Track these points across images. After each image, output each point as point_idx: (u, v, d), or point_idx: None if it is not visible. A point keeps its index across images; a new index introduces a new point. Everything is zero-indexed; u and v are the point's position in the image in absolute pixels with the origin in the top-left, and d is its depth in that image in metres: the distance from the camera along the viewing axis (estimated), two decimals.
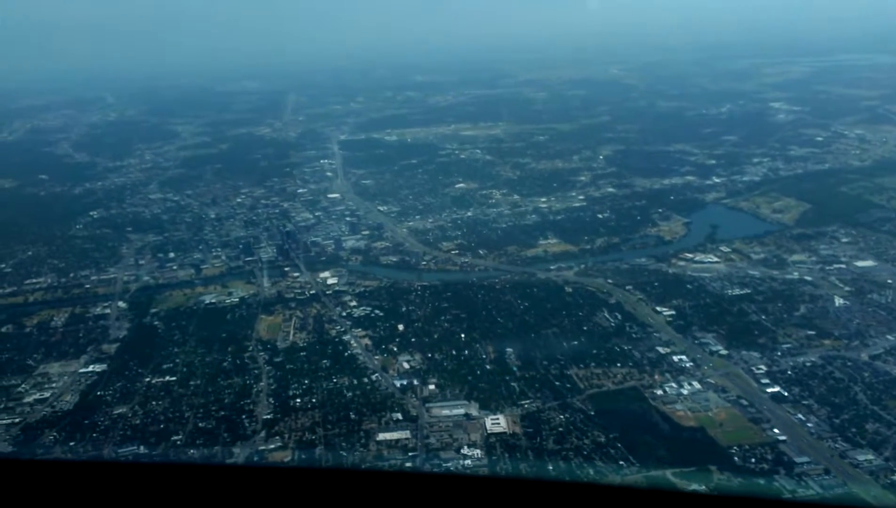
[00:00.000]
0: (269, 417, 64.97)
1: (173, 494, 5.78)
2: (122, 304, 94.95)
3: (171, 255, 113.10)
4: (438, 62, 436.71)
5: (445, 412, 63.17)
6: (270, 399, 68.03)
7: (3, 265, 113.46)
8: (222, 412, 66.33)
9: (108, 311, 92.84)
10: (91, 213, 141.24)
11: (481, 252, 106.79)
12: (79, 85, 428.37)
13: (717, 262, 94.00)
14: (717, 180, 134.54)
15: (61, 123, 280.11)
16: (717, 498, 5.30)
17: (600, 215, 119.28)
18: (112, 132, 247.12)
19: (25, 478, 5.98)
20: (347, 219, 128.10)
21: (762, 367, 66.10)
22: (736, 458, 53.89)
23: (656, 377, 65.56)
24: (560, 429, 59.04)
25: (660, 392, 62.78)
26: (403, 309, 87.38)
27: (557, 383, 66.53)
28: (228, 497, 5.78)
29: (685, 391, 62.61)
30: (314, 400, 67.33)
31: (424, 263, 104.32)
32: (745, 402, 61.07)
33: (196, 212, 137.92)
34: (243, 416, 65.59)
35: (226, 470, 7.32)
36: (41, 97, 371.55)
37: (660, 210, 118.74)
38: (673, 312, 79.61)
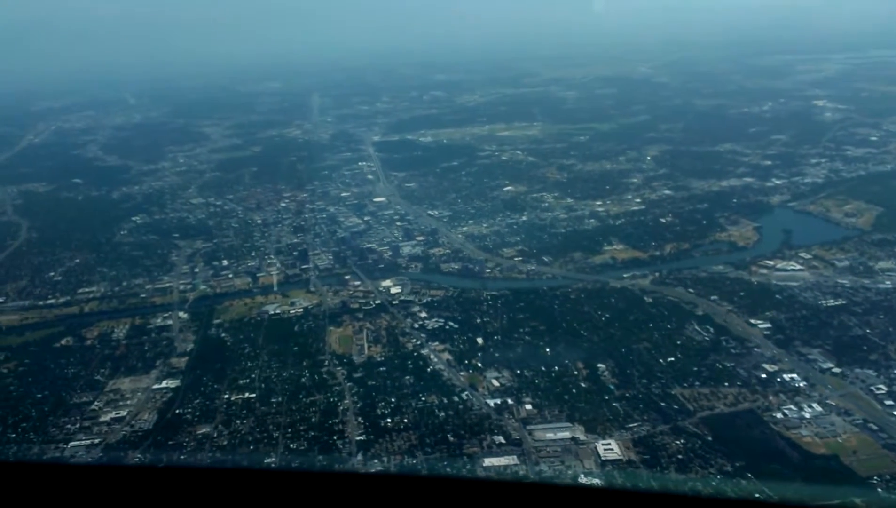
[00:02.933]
0: (362, 438, 61.91)
1: (171, 498, 5.76)
2: (183, 315, 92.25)
3: (225, 262, 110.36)
4: (456, 62, 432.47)
5: (549, 435, 59.89)
6: (359, 419, 64.93)
7: (52, 274, 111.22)
8: (312, 433, 63.36)
9: (169, 322, 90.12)
10: (134, 218, 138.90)
11: (545, 259, 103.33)
12: (94, 86, 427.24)
13: (800, 270, 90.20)
14: (778, 182, 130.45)
15: (86, 125, 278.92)
16: (721, 501, 5.84)
17: (663, 220, 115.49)
18: (139, 134, 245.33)
19: (27, 482, 5.99)
20: (398, 224, 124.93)
21: (881, 387, 62.33)
22: (880, 490, 50.31)
23: (771, 398, 61.93)
24: (679, 456, 55.59)
25: (780, 416, 59.16)
26: (478, 321, 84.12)
27: (663, 403, 63.09)
28: (234, 501, 5.76)
29: (807, 415, 58.98)
30: (406, 420, 64.16)
31: (489, 270, 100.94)
32: (873, 426, 57.40)
33: (241, 217, 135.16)
34: (335, 437, 62.59)
35: (230, 474, 6.57)
36: (60, 99, 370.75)
37: (725, 214, 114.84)
38: (769, 325, 75.92)
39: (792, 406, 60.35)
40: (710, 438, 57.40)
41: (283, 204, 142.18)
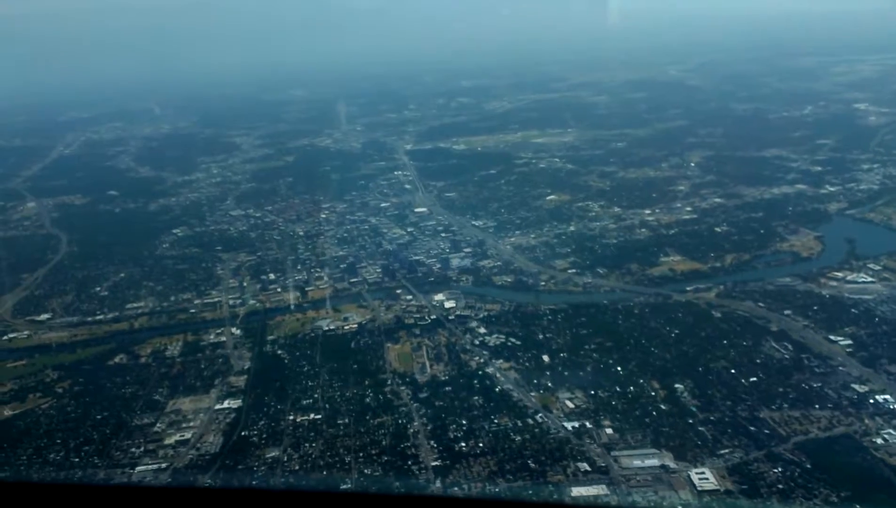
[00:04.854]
0: (437, 464, 59.69)
1: None
2: (235, 330, 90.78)
3: (271, 276, 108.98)
4: (477, 68, 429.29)
5: (637, 462, 57.26)
6: (432, 443, 62.73)
7: (98, 288, 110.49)
8: (385, 458, 61.25)
9: (223, 339, 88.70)
10: (174, 231, 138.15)
11: (600, 271, 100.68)
12: (118, 97, 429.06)
13: (872, 282, 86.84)
14: (832, 189, 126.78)
15: (115, 136, 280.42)
16: None
17: (718, 229, 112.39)
18: (170, 145, 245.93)
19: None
20: (443, 235, 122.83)
21: None
22: None
23: (867, 421, 58.88)
24: (780, 486, 52.73)
25: (880, 441, 56.10)
26: (540, 337, 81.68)
27: (752, 428, 60.20)
28: None
29: None
30: (481, 444, 61.85)
31: (543, 283, 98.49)
32: None
33: (283, 229, 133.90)
34: (409, 462, 60.42)
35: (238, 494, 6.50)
36: (86, 110, 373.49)
37: (783, 222, 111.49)
38: (850, 341, 72.73)
39: (891, 431, 57.24)
40: (808, 465, 54.49)
41: (324, 215, 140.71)
